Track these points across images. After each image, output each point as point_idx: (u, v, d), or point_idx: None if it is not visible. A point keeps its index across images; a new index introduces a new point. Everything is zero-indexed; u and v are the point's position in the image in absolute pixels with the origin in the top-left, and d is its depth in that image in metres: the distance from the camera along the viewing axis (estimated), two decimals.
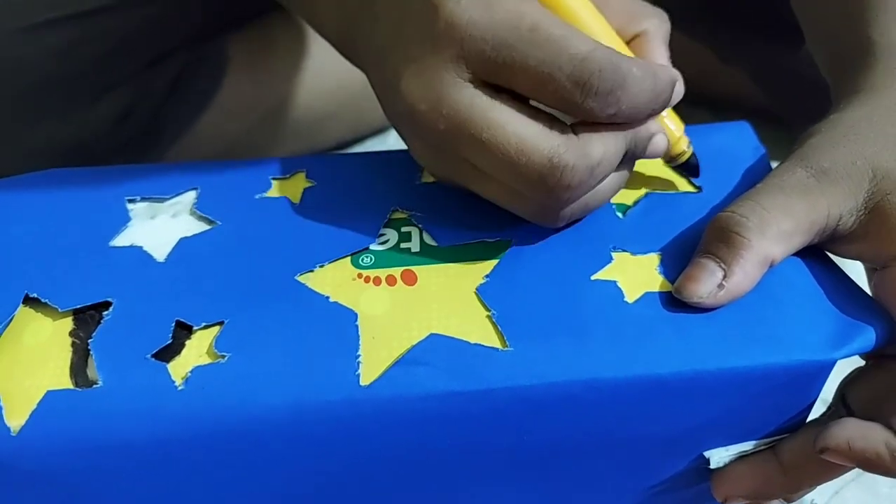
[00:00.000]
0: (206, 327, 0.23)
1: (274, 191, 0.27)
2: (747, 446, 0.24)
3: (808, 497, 0.34)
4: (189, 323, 0.23)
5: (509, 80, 0.21)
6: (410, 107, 0.22)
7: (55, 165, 0.30)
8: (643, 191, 0.27)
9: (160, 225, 0.27)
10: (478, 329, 0.23)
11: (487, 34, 0.20)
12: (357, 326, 0.23)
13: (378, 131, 0.54)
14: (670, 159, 0.26)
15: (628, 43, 0.25)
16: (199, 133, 0.45)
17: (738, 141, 0.28)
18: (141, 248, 0.26)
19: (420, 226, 0.26)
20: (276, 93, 0.47)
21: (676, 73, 0.23)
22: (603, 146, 0.22)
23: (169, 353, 0.23)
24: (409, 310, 0.23)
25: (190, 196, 0.27)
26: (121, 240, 0.26)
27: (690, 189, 0.27)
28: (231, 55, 0.45)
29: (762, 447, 0.24)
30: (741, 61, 0.46)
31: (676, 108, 0.27)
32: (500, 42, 0.20)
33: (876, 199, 0.23)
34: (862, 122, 0.24)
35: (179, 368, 0.22)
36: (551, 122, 0.21)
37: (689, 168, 0.27)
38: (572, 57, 0.20)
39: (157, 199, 0.27)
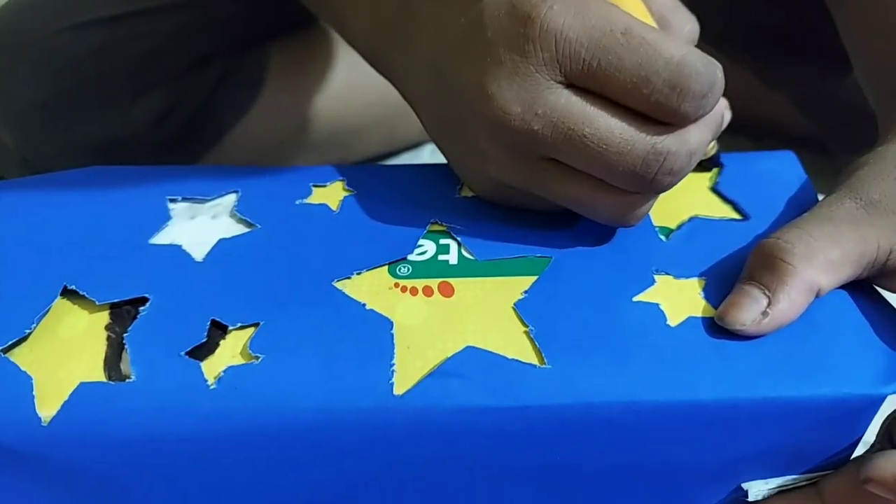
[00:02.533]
0: (241, 328, 0.23)
1: (314, 197, 0.27)
2: (788, 480, 0.23)
3: None
4: (224, 323, 0.23)
5: (603, 84, 0.21)
6: (501, 109, 0.22)
7: (92, 162, 0.30)
8: (686, 216, 0.26)
9: (200, 225, 0.27)
10: (515, 344, 0.22)
11: (583, 38, 0.21)
12: (392, 335, 0.22)
13: (412, 146, 0.54)
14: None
15: None
16: (235, 139, 0.45)
17: (783, 170, 0.28)
18: (180, 246, 0.26)
19: (458, 239, 0.26)
20: (311, 103, 0.47)
21: None
22: (699, 134, 0.22)
23: (203, 351, 0.23)
24: (446, 321, 0.23)
25: (230, 198, 0.28)
26: (160, 238, 0.26)
27: (735, 215, 0.26)
28: (270, 64, 0.46)
29: (803, 482, 0.23)
30: (786, 87, 0.46)
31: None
32: (595, 45, 0.21)
33: None
34: None
35: (213, 367, 0.22)
36: (646, 116, 0.22)
37: (713, 161, 0.28)
38: (668, 61, 0.20)
39: (198, 199, 0.28)
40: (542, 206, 0.25)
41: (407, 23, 0.24)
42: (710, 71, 0.21)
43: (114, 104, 0.42)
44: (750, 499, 0.23)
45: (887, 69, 0.28)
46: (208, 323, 0.23)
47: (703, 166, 0.28)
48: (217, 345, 0.23)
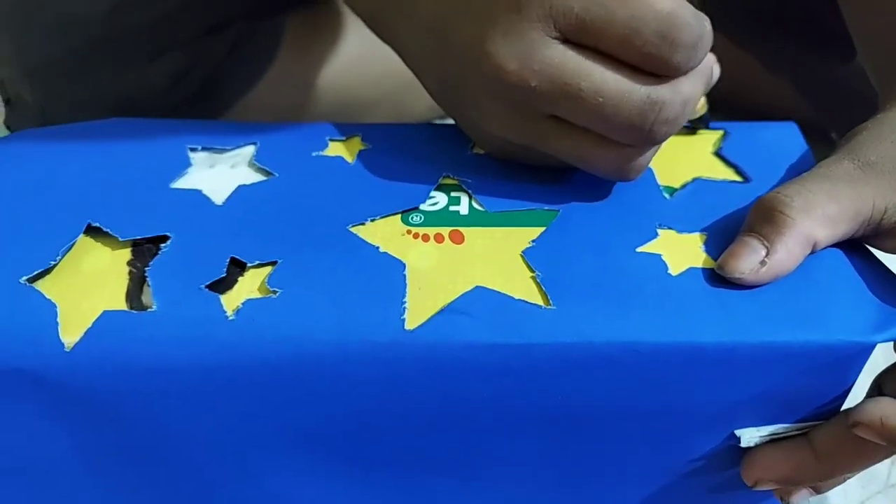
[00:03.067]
0: (259, 266, 0.24)
1: (330, 150, 0.28)
2: (780, 428, 0.24)
3: None
4: (243, 260, 0.24)
5: (596, 37, 0.22)
6: (498, 66, 0.22)
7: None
8: (690, 176, 0.27)
9: (219, 173, 0.28)
10: (522, 287, 0.23)
11: None
12: (405, 276, 0.23)
13: (422, 122, 0.55)
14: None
15: None
16: (246, 106, 0.46)
17: (784, 139, 0.29)
18: (200, 191, 0.27)
19: (469, 192, 0.26)
20: (322, 75, 0.48)
21: None
22: (691, 85, 0.23)
23: (222, 286, 0.23)
24: (456, 265, 0.24)
25: (249, 149, 0.28)
26: (181, 183, 0.27)
27: (736, 178, 0.27)
28: (283, 34, 0.46)
29: (794, 432, 0.24)
30: (788, 71, 0.47)
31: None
32: (587, 0, 0.21)
33: None
34: None
35: (231, 300, 0.23)
36: (642, 71, 0.22)
37: (703, 120, 0.29)
38: (658, 13, 0.21)
39: (218, 150, 0.28)
40: (549, 161, 0.26)
41: None
42: (699, 23, 0.22)
43: (129, 64, 0.42)
44: (742, 444, 0.24)
45: (886, 46, 0.29)
46: (227, 260, 0.24)
47: (694, 126, 0.29)
48: (236, 280, 0.24)
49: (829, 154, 0.25)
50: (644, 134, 0.23)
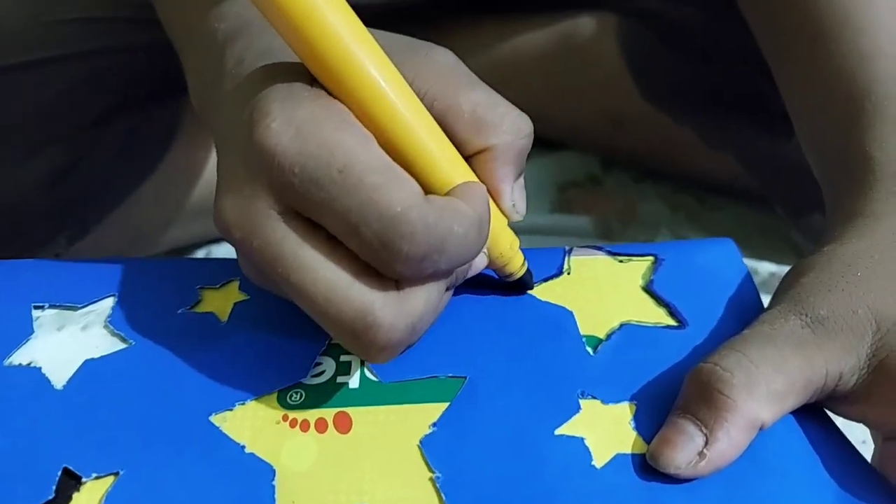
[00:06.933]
0: (97, 478, 0.20)
1: (201, 305, 0.24)
2: None
3: None
4: (78, 473, 0.20)
5: (318, 219, 0.19)
6: (226, 228, 0.19)
7: None
8: (617, 322, 0.24)
9: (67, 339, 0.23)
10: (418, 497, 0.19)
11: (296, 167, 0.18)
12: (274, 486, 0.19)
13: None
14: (504, 276, 0.23)
15: (471, 157, 0.21)
16: (142, 198, 0.42)
17: (721, 262, 0.26)
18: (39, 369, 0.22)
19: None
20: None
21: (512, 200, 0.22)
22: (425, 296, 0.19)
23: None
24: (339, 466, 0.20)
25: (106, 304, 0.24)
26: (18, 357, 0.23)
27: (670, 321, 0.24)
28: (181, 117, 0.42)
29: None
30: (728, 145, 0.44)
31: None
32: (308, 178, 0.18)
33: (880, 355, 0.20)
34: (862, 259, 0.21)
35: None
36: (368, 269, 0.19)
37: (520, 284, 0.24)
38: (382, 215, 0.18)
39: (69, 307, 0.24)
40: None
41: (213, 100, 0.22)
42: (432, 232, 0.18)
43: (2, 165, 0.38)
44: None
45: (828, 143, 0.26)
46: (59, 472, 0.20)
47: (516, 291, 0.24)
48: (69, 499, 0.19)
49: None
50: (359, 351, 0.19)
